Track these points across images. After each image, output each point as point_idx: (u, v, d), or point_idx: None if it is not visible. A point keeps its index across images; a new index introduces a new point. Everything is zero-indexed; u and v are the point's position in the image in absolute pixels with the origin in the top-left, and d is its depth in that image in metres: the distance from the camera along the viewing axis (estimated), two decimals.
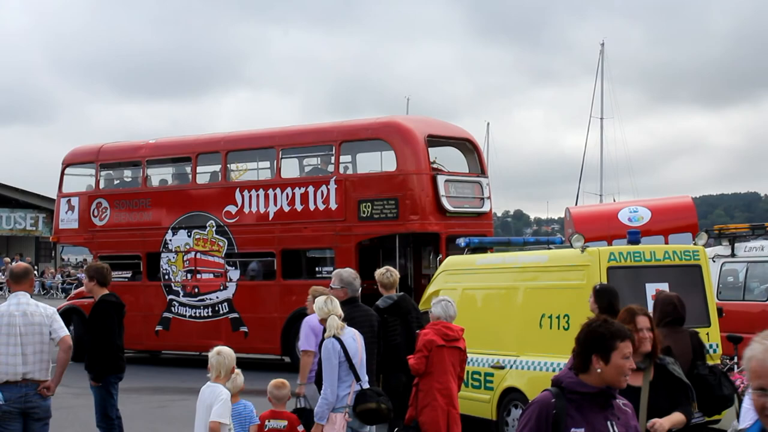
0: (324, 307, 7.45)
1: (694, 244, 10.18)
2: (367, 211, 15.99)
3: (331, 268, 16.71)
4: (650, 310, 7.38)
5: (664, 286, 9.49)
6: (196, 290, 18.77)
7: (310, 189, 16.68)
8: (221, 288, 18.33)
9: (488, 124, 71.01)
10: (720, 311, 10.41)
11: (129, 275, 20.05)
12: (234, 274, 18.15)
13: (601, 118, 55.30)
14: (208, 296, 18.55)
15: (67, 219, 21.16)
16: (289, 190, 17.03)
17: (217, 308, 18.42)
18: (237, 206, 17.89)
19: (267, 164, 17.93)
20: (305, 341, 8.78)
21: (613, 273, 9.45)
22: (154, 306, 19.37)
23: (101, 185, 20.64)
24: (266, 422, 7.45)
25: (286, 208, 17.12)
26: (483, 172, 17.07)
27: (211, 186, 18.68)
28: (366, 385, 7.35)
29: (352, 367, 7.26)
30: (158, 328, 19.28)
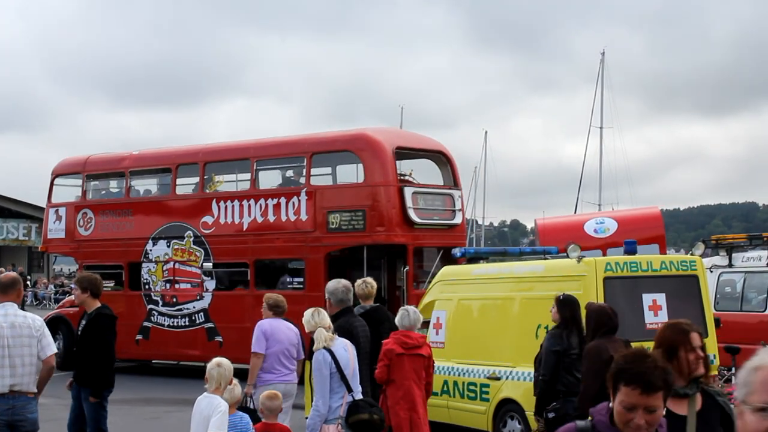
0: (311, 320, 7.41)
1: (692, 254, 10.19)
2: (336, 223, 16.01)
3: (302, 279, 16.75)
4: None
5: (661, 297, 9.58)
6: (174, 300, 18.82)
7: (282, 200, 16.72)
8: (198, 298, 18.38)
9: (486, 132, 70.87)
10: (717, 322, 10.36)
11: (112, 285, 20.10)
12: (210, 284, 18.20)
13: (601, 128, 55.06)
14: (185, 306, 18.61)
15: (55, 229, 21.31)
16: (262, 201, 17.08)
17: (193, 318, 18.46)
18: (213, 217, 17.95)
19: (243, 176, 17.95)
20: (255, 344, 9.22)
21: (610, 283, 9.41)
22: (134, 315, 19.44)
23: (87, 196, 20.76)
24: None
25: (260, 219, 17.16)
26: (456, 185, 17.03)
27: (189, 197, 18.77)
28: (358, 396, 7.29)
29: (343, 378, 7.20)
30: (138, 337, 19.34)
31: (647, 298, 9.59)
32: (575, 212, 53.42)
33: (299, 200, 16.47)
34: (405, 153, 16.63)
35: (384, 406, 8.35)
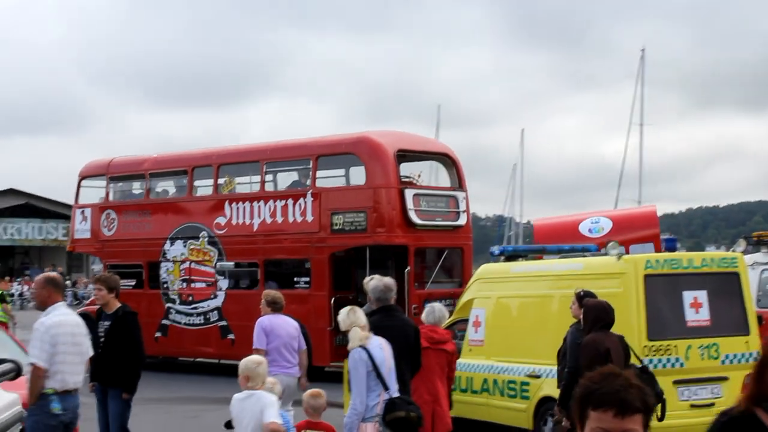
0: (347, 318, 7.38)
1: (733, 251, 10.14)
2: (339, 224, 16.28)
3: (308, 278, 17.02)
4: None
5: (702, 294, 9.52)
6: (190, 298, 19.23)
7: (290, 202, 17.03)
8: (212, 297, 18.77)
9: (523, 131, 70.29)
10: (759, 319, 10.24)
11: (133, 283, 20.58)
12: (223, 283, 18.57)
13: (641, 124, 54.46)
14: (200, 304, 19.02)
15: (81, 229, 21.87)
16: (271, 203, 17.41)
17: (208, 316, 18.86)
18: (226, 218, 18.33)
19: (254, 178, 18.28)
20: (257, 340, 9.59)
21: (650, 281, 9.31)
22: (154, 314, 19.88)
23: (110, 197, 21.26)
24: None
25: (269, 221, 17.48)
26: (461, 187, 17.14)
27: (203, 198, 19.15)
28: (395, 394, 7.29)
29: (380, 376, 7.18)
30: (157, 334, 19.79)
31: (688, 296, 9.50)
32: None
33: (305, 202, 16.77)
34: (408, 155, 16.80)
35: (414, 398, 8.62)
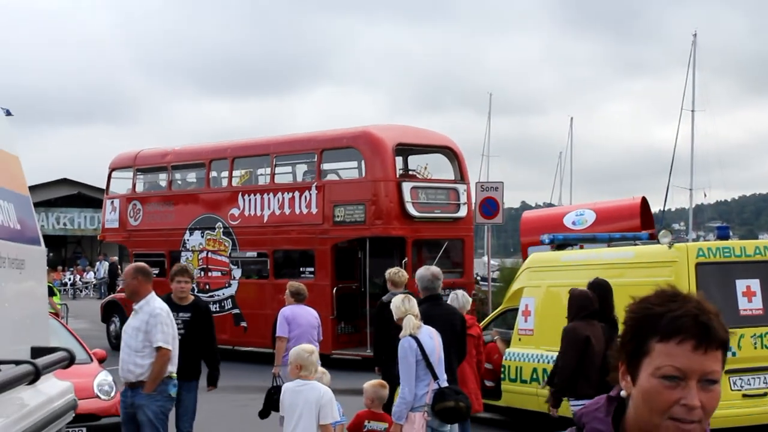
0: (401, 306, 7.33)
1: None
2: (341, 216, 16.62)
3: (313, 269, 17.38)
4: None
5: (755, 282, 9.36)
6: (207, 287, 19.76)
7: (296, 194, 17.39)
8: (226, 285, 19.24)
9: (571, 119, 69.78)
10: None
11: (157, 272, 21.17)
12: (237, 272, 19.03)
13: (693, 111, 53.61)
14: (216, 293, 19.53)
15: (111, 219, 22.57)
16: (280, 195, 17.80)
17: (223, 304, 19.35)
18: (239, 209, 18.77)
19: (265, 170, 18.68)
20: (279, 328, 10.07)
21: (702, 269, 9.21)
22: None
23: (136, 188, 21.86)
24: (366, 423, 7.34)
25: (278, 212, 17.89)
26: (462, 179, 17.29)
27: (219, 190, 19.63)
28: (444, 384, 7.26)
29: (429, 365, 7.16)
30: None
31: (741, 284, 9.34)
32: (666, 198, 52.45)
33: (310, 194, 17.13)
34: (408, 149, 17.01)
35: None
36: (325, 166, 17.43)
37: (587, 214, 14.16)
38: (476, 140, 67.55)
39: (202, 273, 19.96)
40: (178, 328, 8.36)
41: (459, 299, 9.32)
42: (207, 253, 19.78)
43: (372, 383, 7.51)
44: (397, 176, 16.52)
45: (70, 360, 4.43)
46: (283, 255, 18.23)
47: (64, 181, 46.96)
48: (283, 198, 17.77)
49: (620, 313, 8.91)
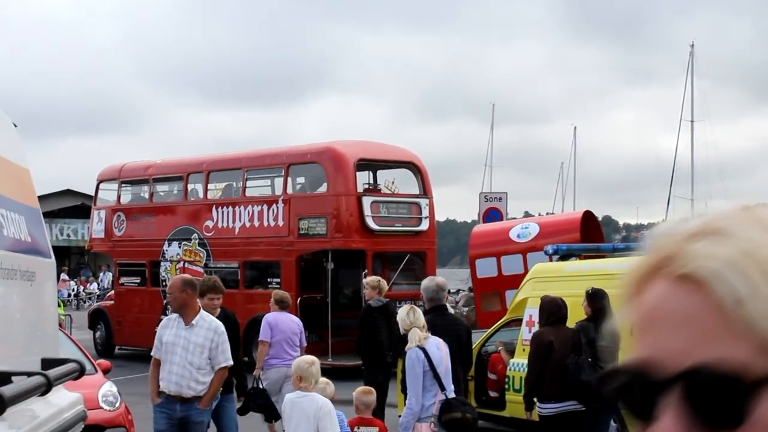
0: (406, 318, 7.33)
1: None
2: (305, 229, 17.05)
3: (279, 279, 17.79)
4: None
5: None
6: None
7: (265, 207, 17.82)
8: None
9: (575, 128, 70.11)
10: None
11: (138, 281, 21.67)
12: None
13: (692, 121, 53.80)
14: None
15: (97, 229, 23.11)
16: (250, 207, 18.24)
17: None
18: (213, 221, 19.21)
19: (237, 184, 19.13)
20: (262, 333, 10.61)
21: None
22: (154, 309, 20.90)
23: (121, 200, 22.37)
24: (356, 429, 7.34)
25: (248, 224, 18.35)
26: (425, 193, 17.67)
27: (194, 203, 20.11)
28: (451, 395, 7.28)
29: (436, 376, 7.16)
30: (157, 328, 20.76)
31: None
32: (667, 208, 52.71)
33: (278, 208, 17.59)
34: (370, 164, 17.41)
35: None
36: (291, 181, 17.88)
37: (531, 228, 14.49)
38: (481, 149, 68.01)
39: None
40: None
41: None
42: (184, 264, 20.24)
43: (358, 390, 7.53)
44: (359, 191, 16.93)
45: (80, 371, 4.45)
46: (252, 266, 18.69)
47: (68, 192, 47.51)
48: (253, 211, 18.23)
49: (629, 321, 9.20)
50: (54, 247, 4.81)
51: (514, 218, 20.38)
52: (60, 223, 46.76)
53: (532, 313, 10.76)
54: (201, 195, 20.13)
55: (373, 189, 17.47)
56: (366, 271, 16.69)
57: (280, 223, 17.62)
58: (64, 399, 4.68)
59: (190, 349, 7.50)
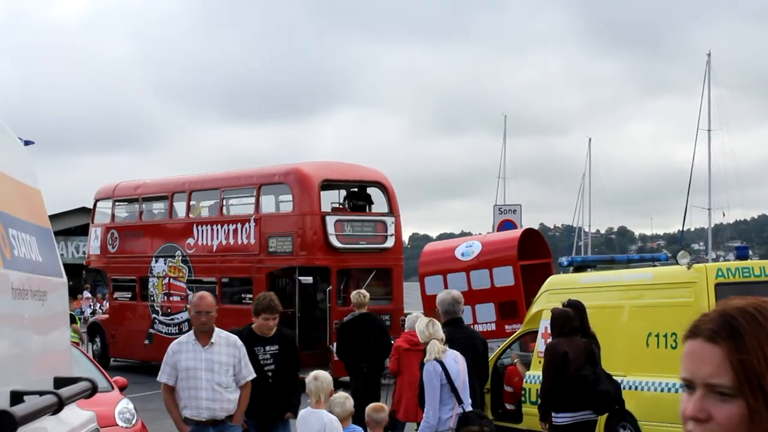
0: (425, 330, 7.33)
1: None
2: (273, 246, 17.70)
3: (252, 295, 18.45)
4: None
5: None
6: (169, 310, 20.99)
7: (239, 226, 18.53)
8: (184, 309, 20.38)
9: (590, 140, 70.12)
10: None
11: (129, 296, 22.47)
12: (192, 298, 20.13)
13: (709, 130, 53.82)
14: (176, 316, 20.73)
15: (94, 246, 23.99)
16: (226, 226, 18.94)
17: (181, 327, 20.52)
18: (194, 239, 19.92)
19: (215, 203, 19.87)
20: None
21: (721, 289, 9.07)
22: (143, 323, 21.70)
23: (115, 218, 23.19)
24: None
25: (224, 242, 19.07)
26: (392, 212, 18.26)
27: (178, 222, 20.87)
28: (468, 408, 7.24)
29: (454, 389, 7.15)
30: (146, 342, 21.56)
31: None
32: (684, 218, 52.79)
33: (250, 226, 18.30)
34: (335, 185, 18.06)
35: (398, 392, 9.80)
36: (262, 200, 18.58)
37: (475, 246, 14.95)
38: (497, 162, 67.97)
39: (165, 297, 21.19)
40: (267, 363, 7.93)
41: (414, 320, 9.76)
42: (169, 279, 21.02)
43: (371, 407, 7.50)
44: (323, 210, 17.56)
45: (92, 390, 4.37)
46: (228, 282, 19.40)
47: (83, 210, 48.41)
48: (229, 229, 18.94)
49: (644, 332, 8.98)
50: (70, 265, 5.07)
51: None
52: (76, 240, 47.72)
53: (547, 325, 10.47)
54: (184, 214, 20.88)
55: (341, 208, 18.09)
56: (330, 287, 17.32)
57: (252, 241, 18.34)
58: (76, 417, 4.62)
59: (216, 369, 7.16)
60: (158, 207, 22.52)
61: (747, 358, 1.47)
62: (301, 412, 6.64)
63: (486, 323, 15.34)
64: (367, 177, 18.70)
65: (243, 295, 18.82)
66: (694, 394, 1.51)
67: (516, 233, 15.16)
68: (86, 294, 42.47)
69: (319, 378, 6.63)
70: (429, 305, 15.65)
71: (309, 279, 19.07)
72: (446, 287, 15.50)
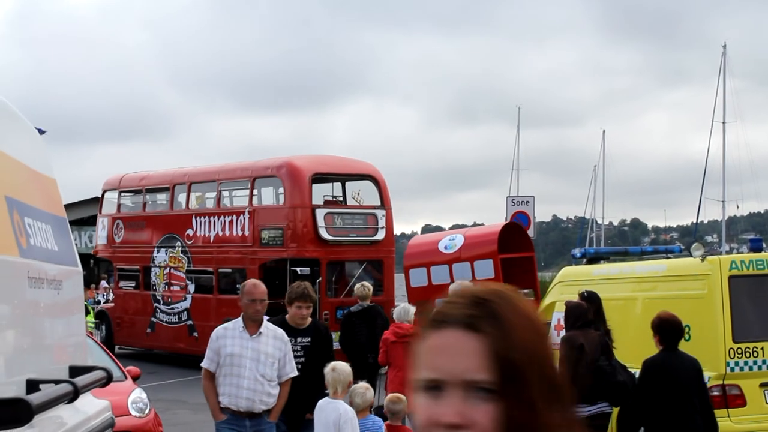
0: None
1: None
2: (266, 238, 18.11)
3: None
4: None
5: None
6: (169, 300, 21.48)
7: (234, 218, 18.96)
8: (183, 299, 20.90)
9: (603, 131, 69.80)
10: None
11: (133, 285, 23.02)
12: (191, 287, 20.66)
13: (724, 122, 53.71)
14: (176, 305, 21.24)
15: (101, 236, 24.56)
16: (223, 218, 19.38)
17: (180, 315, 21.04)
18: (193, 230, 20.40)
19: (212, 195, 20.32)
20: None
21: (735, 282, 9.07)
22: (146, 312, 22.25)
23: (120, 209, 23.73)
24: None
25: (221, 234, 19.52)
26: (383, 204, 18.61)
27: (178, 213, 21.35)
28: None
29: None
30: (148, 330, 22.11)
31: None
32: (698, 210, 52.87)
33: (244, 218, 18.73)
34: (326, 178, 18.45)
35: (389, 384, 10.07)
36: (256, 192, 19.00)
37: (457, 239, 15.24)
38: (511, 153, 67.82)
39: (166, 287, 21.71)
40: (297, 355, 7.53)
41: (401, 311, 10.34)
42: (170, 269, 21.53)
43: (388, 398, 7.51)
44: (314, 203, 17.96)
45: (107, 379, 4.42)
46: (224, 272, 19.85)
47: (96, 200, 49.01)
48: (225, 221, 19.39)
49: (649, 328, 8.56)
50: (84, 255, 5.13)
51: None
52: (89, 230, 48.17)
53: (560, 317, 10.50)
54: (184, 205, 21.36)
55: (333, 201, 18.46)
56: (321, 278, 17.73)
57: (246, 232, 18.78)
58: (91, 406, 4.64)
59: (261, 360, 6.89)
60: (161, 198, 23.03)
61: (510, 348, 1.27)
62: (319, 403, 6.67)
63: None
64: (358, 170, 19.07)
65: (238, 286, 19.23)
66: (446, 397, 1.27)
67: (497, 227, 15.42)
68: (103, 284, 43.07)
69: (336, 369, 6.65)
70: (414, 297, 16.01)
71: (307, 270, 19.48)
72: (430, 280, 15.88)
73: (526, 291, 15.88)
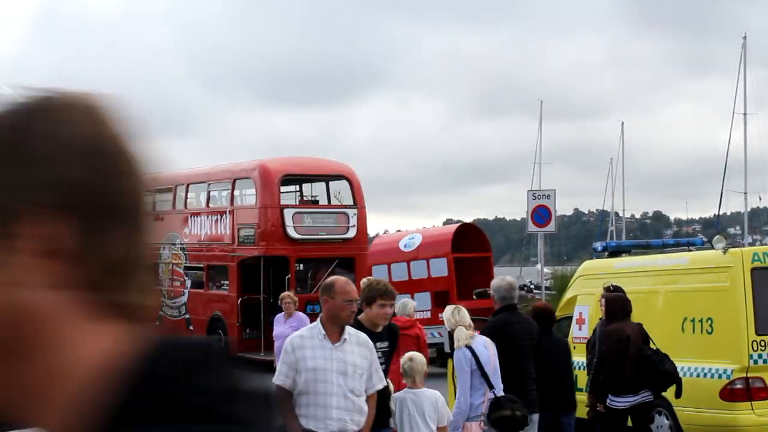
0: (451, 318, 7.34)
1: None
2: (242, 237, 18.98)
3: (227, 282, 19.88)
4: None
5: None
6: (172, 295, 22.59)
7: (219, 217, 19.95)
8: (182, 294, 22.02)
9: (622, 123, 68.12)
10: None
11: None
12: (188, 283, 21.78)
13: (745, 114, 53.07)
14: (176, 300, 22.39)
15: None
16: (210, 217, 20.39)
17: (180, 309, 22.18)
18: (188, 228, 21.49)
19: (203, 195, 21.37)
20: None
21: (757, 274, 9.04)
22: (155, 305, 23.38)
23: None
24: None
25: (210, 232, 20.54)
26: (356, 204, 19.26)
27: (177, 212, 22.44)
28: (500, 393, 7.26)
29: (484, 375, 7.18)
30: (157, 323, 23.27)
31: None
32: (720, 202, 52.37)
33: (226, 218, 19.65)
34: (296, 179, 19.21)
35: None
36: (237, 193, 19.92)
37: (416, 238, 15.87)
38: (534, 146, 66.81)
39: (170, 282, 22.87)
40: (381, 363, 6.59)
41: (402, 305, 10.33)
42: (172, 266, 22.66)
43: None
44: (282, 203, 18.73)
45: None
46: (212, 269, 20.86)
47: None
48: (212, 220, 20.39)
49: (680, 317, 9.48)
50: None
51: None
52: None
53: (582, 310, 10.65)
54: (182, 205, 22.45)
55: (310, 201, 19.24)
56: (290, 275, 18.51)
57: (227, 231, 19.75)
58: None
59: (349, 372, 5.71)
60: (165, 197, 24.20)
61: None
62: (399, 395, 6.61)
63: (422, 311, 16.26)
64: (331, 170, 19.78)
65: (221, 282, 20.27)
66: None
67: (452, 228, 16.00)
68: None
69: (414, 359, 6.70)
70: None
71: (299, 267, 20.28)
72: (390, 277, 16.51)
73: (480, 290, 16.40)
